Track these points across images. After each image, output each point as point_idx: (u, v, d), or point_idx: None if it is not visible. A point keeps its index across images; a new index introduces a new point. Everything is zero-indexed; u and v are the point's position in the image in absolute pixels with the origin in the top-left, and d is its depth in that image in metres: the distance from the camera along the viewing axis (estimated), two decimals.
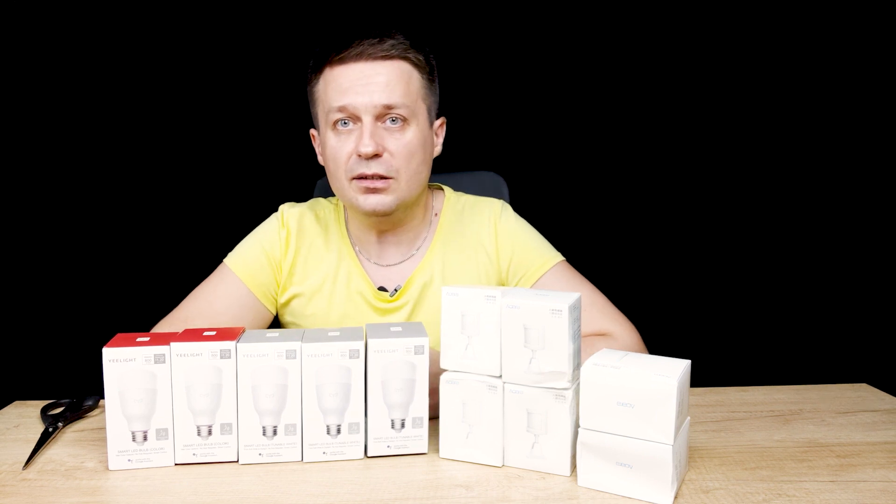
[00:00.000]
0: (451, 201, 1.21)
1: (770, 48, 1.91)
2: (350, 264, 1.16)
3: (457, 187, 1.36)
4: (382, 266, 1.17)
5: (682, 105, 1.93)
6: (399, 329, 0.87)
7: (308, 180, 1.47)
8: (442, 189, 1.24)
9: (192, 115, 1.87)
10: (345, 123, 1.06)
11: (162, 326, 1.09)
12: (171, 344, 0.81)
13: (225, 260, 1.16)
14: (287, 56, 1.84)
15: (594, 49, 1.91)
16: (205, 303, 1.12)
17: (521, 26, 1.90)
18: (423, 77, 1.09)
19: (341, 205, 1.21)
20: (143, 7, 1.82)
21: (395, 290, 1.15)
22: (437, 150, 1.17)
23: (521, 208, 1.44)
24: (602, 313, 1.11)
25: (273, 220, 1.19)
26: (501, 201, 1.22)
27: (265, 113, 1.88)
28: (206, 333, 0.84)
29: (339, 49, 1.05)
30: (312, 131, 1.17)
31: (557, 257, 1.17)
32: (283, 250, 1.16)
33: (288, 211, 1.19)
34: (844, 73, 1.91)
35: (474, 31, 1.89)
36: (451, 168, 1.35)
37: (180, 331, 0.88)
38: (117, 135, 1.87)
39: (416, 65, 1.08)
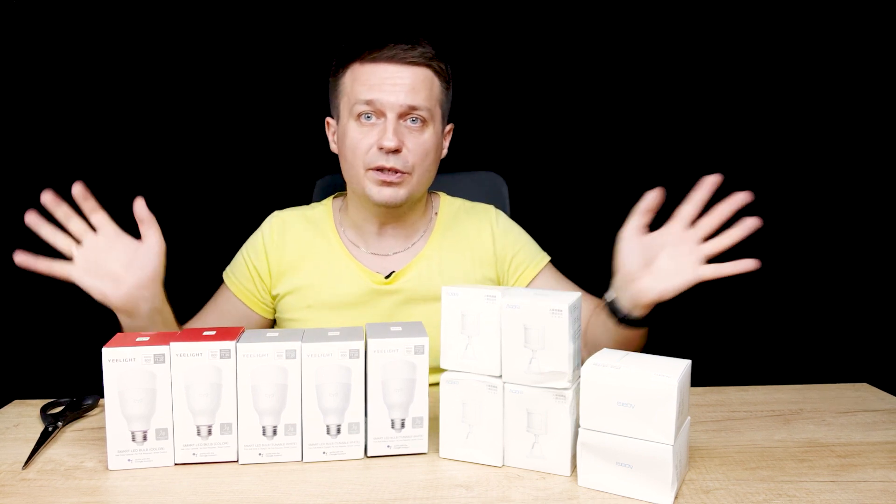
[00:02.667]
0: (447, 203, 1.27)
1: (770, 48, 1.91)
2: (341, 253, 1.19)
3: (457, 187, 1.37)
4: (378, 255, 1.20)
5: (682, 105, 1.93)
6: (399, 329, 0.87)
7: (308, 181, 1.47)
8: (437, 194, 1.29)
9: (193, 117, 1.87)
10: (368, 117, 1.11)
11: None
12: (171, 344, 0.81)
13: (223, 275, 1.22)
14: (288, 58, 1.84)
15: (594, 50, 1.91)
16: (217, 323, 1.19)
17: (521, 27, 1.90)
18: (441, 85, 1.15)
19: (330, 205, 1.25)
20: (143, 9, 1.82)
21: (391, 274, 1.18)
22: (443, 153, 1.22)
23: (521, 208, 1.44)
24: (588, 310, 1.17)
25: (258, 232, 1.23)
26: (493, 206, 1.28)
27: (265, 115, 1.88)
28: (205, 333, 0.84)
29: (372, 48, 1.11)
30: (328, 119, 1.22)
31: (547, 257, 1.25)
32: (266, 259, 1.20)
33: (272, 218, 1.24)
34: (844, 73, 1.91)
35: (474, 32, 1.89)
36: (451, 168, 1.36)
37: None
38: (118, 136, 1.87)
39: (437, 73, 1.14)
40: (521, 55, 1.91)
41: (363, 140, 1.11)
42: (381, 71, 1.10)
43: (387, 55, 1.10)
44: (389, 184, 1.11)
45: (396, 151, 1.09)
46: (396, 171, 1.10)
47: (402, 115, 1.10)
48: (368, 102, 1.10)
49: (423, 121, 1.12)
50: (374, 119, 1.11)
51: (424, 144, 1.12)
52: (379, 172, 1.10)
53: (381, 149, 1.09)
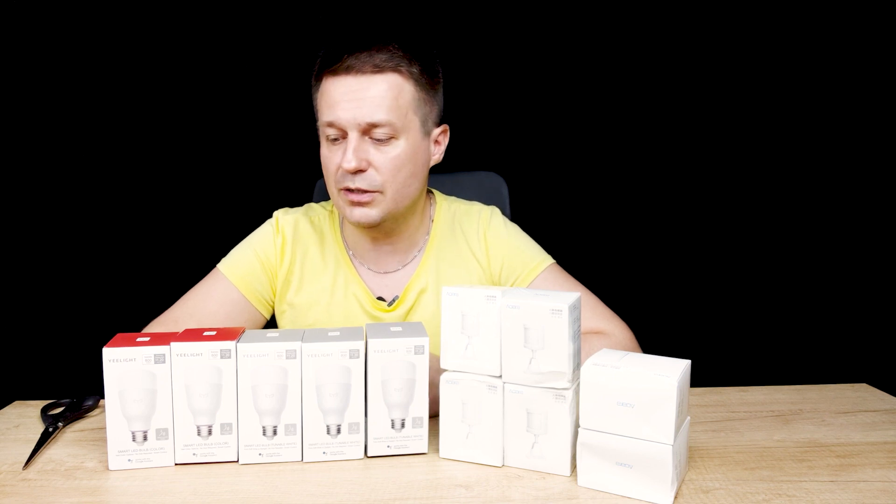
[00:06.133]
0: (443, 208, 1.21)
1: (770, 48, 1.91)
2: (347, 273, 1.16)
3: (457, 187, 1.36)
4: (379, 273, 1.17)
5: (682, 105, 1.93)
6: (399, 329, 0.87)
7: (308, 181, 1.47)
8: (433, 196, 1.23)
9: (191, 117, 1.87)
10: (335, 138, 1.06)
11: (153, 327, 1.09)
12: (172, 344, 0.81)
13: (218, 265, 1.15)
14: (286, 57, 1.84)
15: (594, 50, 1.91)
16: (199, 304, 1.11)
17: (521, 27, 1.90)
18: (416, 88, 1.06)
19: (336, 211, 1.21)
20: (141, 9, 1.82)
21: (394, 300, 1.15)
22: (437, 158, 1.15)
23: (521, 208, 1.44)
24: (594, 312, 1.11)
25: (267, 226, 1.18)
26: (490, 207, 1.22)
27: (264, 115, 1.88)
28: (206, 333, 0.84)
29: (332, 60, 1.04)
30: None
31: (548, 260, 1.17)
32: (279, 258, 1.16)
33: (283, 218, 1.18)
34: (844, 73, 1.91)
35: (474, 32, 1.89)
36: (451, 168, 1.36)
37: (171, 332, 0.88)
38: (118, 137, 1.87)
39: (408, 77, 1.05)
40: (521, 55, 1.91)
41: (332, 159, 1.06)
42: (340, 86, 1.03)
43: (345, 66, 1.02)
44: (360, 204, 1.05)
45: (360, 171, 1.03)
46: (364, 192, 1.05)
47: (365, 132, 1.03)
48: (330, 124, 1.04)
49: (391, 135, 1.04)
50: (339, 138, 1.05)
51: (395, 160, 1.05)
52: (348, 193, 1.05)
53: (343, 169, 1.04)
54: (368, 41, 1.05)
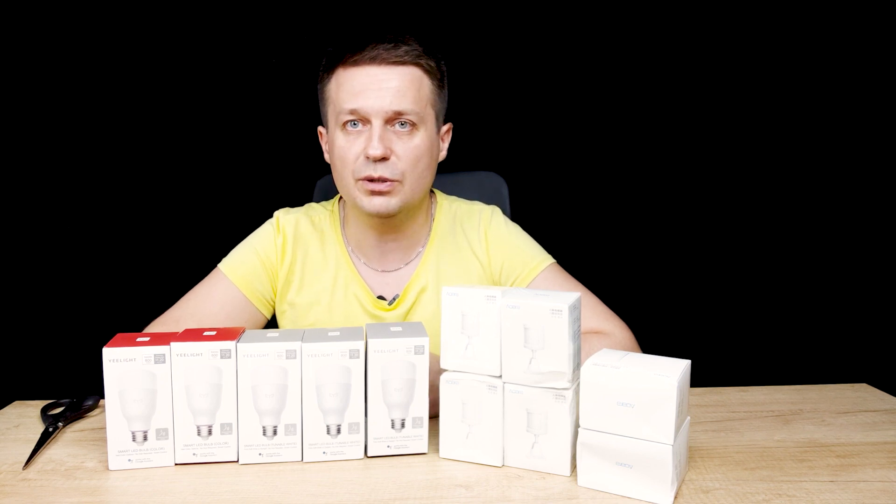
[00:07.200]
0: (444, 207, 1.21)
1: (770, 48, 1.91)
2: (348, 273, 1.16)
3: (457, 187, 1.36)
4: (380, 272, 1.17)
5: (681, 105, 1.93)
6: (399, 329, 0.87)
7: (308, 181, 1.47)
8: (435, 195, 1.24)
9: (192, 116, 1.87)
10: (354, 124, 1.07)
11: (154, 327, 1.09)
12: (172, 344, 0.81)
13: (219, 265, 1.15)
14: (288, 56, 1.84)
15: (594, 50, 1.91)
16: (200, 304, 1.11)
17: (521, 27, 1.90)
18: (433, 83, 1.10)
19: (337, 210, 1.21)
20: (142, 9, 1.82)
21: (394, 299, 1.15)
22: (443, 154, 1.18)
23: (521, 208, 1.44)
24: (594, 312, 1.11)
25: (268, 226, 1.19)
26: (491, 207, 1.23)
27: (264, 114, 1.88)
28: (206, 333, 0.84)
29: (353, 50, 1.06)
30: (320, 129, 1.17)
31: (548, 260, 1.18)
32: (280, 257, 1.16)
33: (283, 217, 1.19)
34: (844, 73, 1.91)
35: (475, 32, 1.89)
36: (451, 168, 1.36)
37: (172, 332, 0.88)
38: (118, 137, 1.87)
39: (427, 71, 1.08)
40: (521, 54, 1.91)
41: (350, 149, 1.06)
42: (363, 75, 1.05)
43: (368, 56, 1.04)
44: (380, 193, 1.06)
45: (384, 159, 1.04)
46: (385, 180, 1.05)
47: (388, 121, 1.05)
48: (353, 112, 1.05)
49: (413, 125, 1.06)
50: (360, 126, 1.06)
51: (415, 150, 1.07)
52: (368, 182, 1.05)
53: (368, 157, 1.04)
54: (390, 34, 1.07)
